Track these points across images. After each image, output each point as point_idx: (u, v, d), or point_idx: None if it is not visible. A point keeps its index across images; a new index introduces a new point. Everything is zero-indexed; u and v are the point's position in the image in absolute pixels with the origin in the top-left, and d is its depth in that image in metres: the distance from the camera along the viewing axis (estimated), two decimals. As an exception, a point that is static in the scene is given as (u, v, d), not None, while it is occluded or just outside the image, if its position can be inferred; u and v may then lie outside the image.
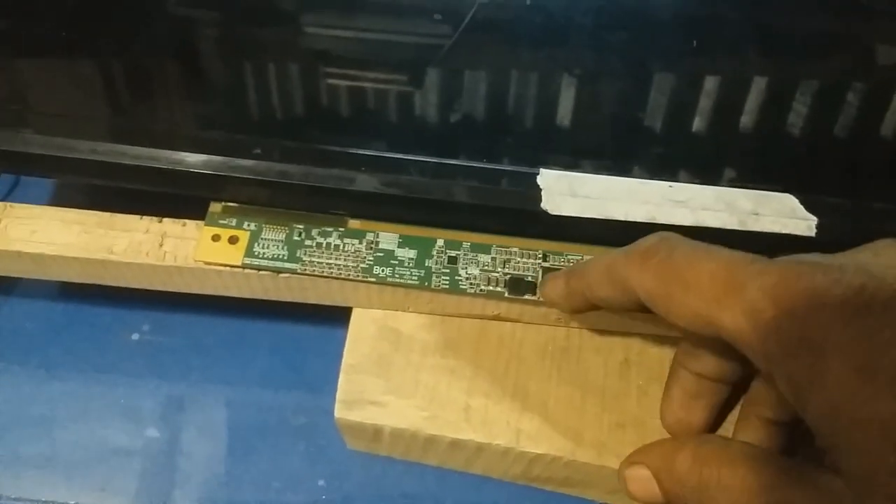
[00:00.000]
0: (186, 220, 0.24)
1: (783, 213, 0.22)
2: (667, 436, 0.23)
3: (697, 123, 0.24)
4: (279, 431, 0.28)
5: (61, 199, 0.31)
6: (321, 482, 0.28)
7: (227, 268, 0.23)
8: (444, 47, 0.25)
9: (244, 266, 0.23)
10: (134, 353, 0.30)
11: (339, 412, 0.24)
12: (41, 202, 0.29)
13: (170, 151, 0.23)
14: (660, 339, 0.25)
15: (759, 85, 0.24)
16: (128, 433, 0.28)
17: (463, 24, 0.25)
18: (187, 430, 0.28)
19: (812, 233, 0.22)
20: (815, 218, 0.22)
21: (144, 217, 0.24)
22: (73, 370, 0.29)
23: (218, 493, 0.27)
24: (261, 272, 0.23)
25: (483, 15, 0.25)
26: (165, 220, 0.24)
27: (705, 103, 0.24)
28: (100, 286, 0.26)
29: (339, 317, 0.26)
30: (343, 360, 0.25)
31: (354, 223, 0.24)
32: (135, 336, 0.30)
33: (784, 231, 0.22)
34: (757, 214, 0.22)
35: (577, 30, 0.26)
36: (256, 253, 0.23)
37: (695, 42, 0.26)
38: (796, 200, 0.22)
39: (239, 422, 0.29)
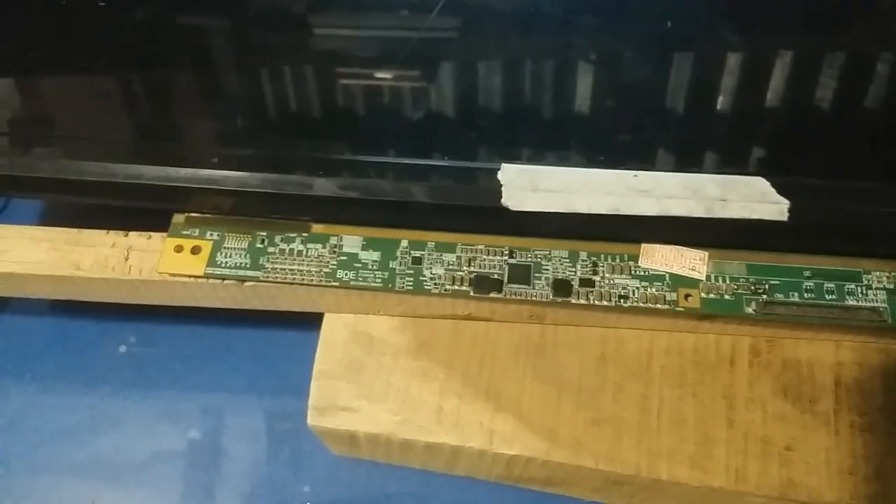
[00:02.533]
0: (152, 233, 0.24)
1: (753, 198, 0.21)
2: (641, 431, 0.22)
3: (663, 109, 0.24)
4: (264, 438, 0.28)
5: (42, 217, 0.31)
6: (306, 488, 0.27)
7: (191, 278, 0.23)
8: (404, 48, 0.25)
9: (207, 276, 0.23)
10: (121, 364, 0.30)
11: (312, 419, 0.24)
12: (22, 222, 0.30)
13: (128, 165, 0.22)
14: (637, 334, 0.24)
15: (725, 67, 0.24)
16: (115, 444, 0.28)
17: (424, 24, 0.24)
18: (174, 438, 0.28)
19: (784, 217, 0.21)
20: (787, 201, 0.21)
21: (111, 232, 0.24)
22: (63, 383, 0.30)
23: (203, 500, 0.27)
24: (225, 281, 0.23)
25: (444, 14, 0.25)
26: (132, 233, 0.24)
27: (669, 88, 0.24)
28: (87, 301, 0.27)
29: (319, 322, 0.25)
30: (314, 366, 0.24)
31: (318, 227, 0.24)
32: (122, 348, 0.31)
33: (754, 216, 0.21)
34: (725, 200, 0.21)
35: (537, 21, 0.25)
36: (219, 262, 0.23)
37: (669, 23, 0.25)
38: (767, 184, 0.21)
39: (224, 429, 0.29)
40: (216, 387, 0.30)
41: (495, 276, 0.23)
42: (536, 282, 0.23)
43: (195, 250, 0.23)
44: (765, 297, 0.22)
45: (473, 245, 0.23)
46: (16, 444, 0.29)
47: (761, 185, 0.21)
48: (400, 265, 0.23)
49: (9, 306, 0.32)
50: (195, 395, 0.30)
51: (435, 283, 0.23)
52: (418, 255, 0.23)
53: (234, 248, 0.23)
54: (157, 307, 0.26)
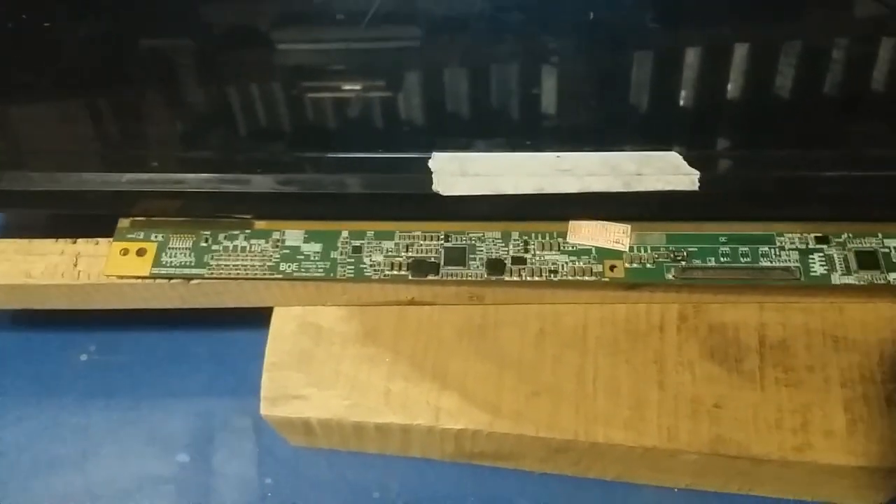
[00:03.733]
0: (100, 239, 0.25)
1: (667, 171, 0.23)
2: (579, 399, 0.24)
3: (581, 93, 0.25)
4: (225, 435, 0.29)
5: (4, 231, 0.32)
6: (268, 480, 0.28)
7: (138, 279, 0.24)
8: (335, 51, 0.26)
9: (153, 276, 0.24)
10: (83, 373, 0.31)
11: (265, 409, 0.25)
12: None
13: (70, 173, 0.23)
14: (572, 309, 0.25)
15: (638, 51, 0.25)
16: (80, 451, 0.29)
17: (356, 29, 0.25)
18: (137, 442, 0.29)
19: (695, 187, 0.22)
20: (697, 172, 0.22)
21: (60, 240, 0.25)
22: (25, 394, 0.30)
23: (168, 498, 0.28)
24: (171, 280, 0.24)
25: (372, 19, 0.26)
26: (80, 240, 0.25)
27: (587, 73, 0.25)
28: (46, 311, 0.27)
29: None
30: (265, 358, 0.25)
31: (261, 224, 0.25)
32: (83, 357, 0.31)
33: (667, 188, 0.22)
34: (640, 175, 0.23)
35: (461, 16, 0.26)
36: (164, 262, 0.24)
37: (591, 14, 0.26)
38: (680, 157, 0.23)
39: (186, 429, 0.29)
40: (177, 390, 0.30)
41: (432, 260, 0.24)
42: (471, 263, 0.24)
43: (140, 252, 0.24)
44: (683, 263, 0.23)
45: (410, 231, 0.24)
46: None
47: (674, 158, 0.23)
48: (341, 255, 0.24)
49: (-34, 323, 0.32)
50: (157, 400, 0.30)
51: (375, 270, 0.24)
52: (358, 245, 0.24)
53: (179, 248, 0.24)
54: (115, 315, 0.27)
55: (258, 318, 0.27)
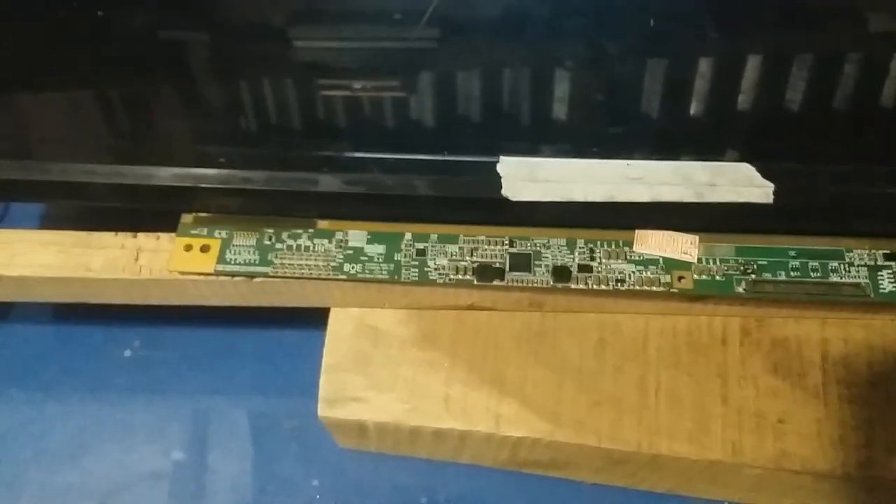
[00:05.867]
0: (160, 234, 0.25)
1: (739, 182, 0.22)
2: (640, 410, 0.23)
3: (654, 101, 0.25)
4: (272, 435, 0.29)
5: (45, 221, 0.31)
6: (315, 482, 0.28)
7: (202, 276, 0.24)
8: (403, 52, 0.26)
9: (217, 273, 0.24)
10: (127, 369, 0.31)
11: (322, 411, 0.25)
12: (24, 226, 0.30)
13: (136, 167, 0.23)
14: (633, 319, 0.25)
15: (710, 60, 0.25)
16: (123, 448, 0.29)
17: (420, 29, 0.25)
18: (181, 440, 0.29)
19: (769, 200, 0.22)
20: (771, 185, 0.22)
21: (120, 233, 0.25)
22: (69, 389, 0.30)
23: (213, 499, 0.28)
24: (235, 278, 0.24)
25: (437, 19, 0.26)
26: (140, 234, 0.25)
27: (659, 81, 0.25)
28: (90, 306, 0.27)
29: (323, 320, 0.26)
30: (323, 359, 0.25)
31: (323, 223, 0.25)
32: (127, 352, 0.31)
33: (741, 200, 0.22)
34: (713, 185, 0.22)
35: (529, 22, 0.26)
36: (228, 259, 0.24)
37: (652, 21, 0.26)
38: (753, 169, 0.23)
39: (231, 429, 0.29)
40: (222, 388, 0.30)
41: (497, 265, 0.24)
42: (537, 269, 0.24)
43: (204, 249, 0.24)
44: (753, 276, 0.23)
45: (475, 236, 0.24)
46: (22, 452, 0.29)
47: (747, 170, 0.23)
48: (405, 257, 0.24)
49: (11, 313, 0.32)
50: (202, 397, 0.30)
51: (439, 274, 0.24)
52: (422, 247, 0.24)
53: (243, 246, 0.24)
54: (160, 310, 0.27)
55: (306, 317, 0.26)
